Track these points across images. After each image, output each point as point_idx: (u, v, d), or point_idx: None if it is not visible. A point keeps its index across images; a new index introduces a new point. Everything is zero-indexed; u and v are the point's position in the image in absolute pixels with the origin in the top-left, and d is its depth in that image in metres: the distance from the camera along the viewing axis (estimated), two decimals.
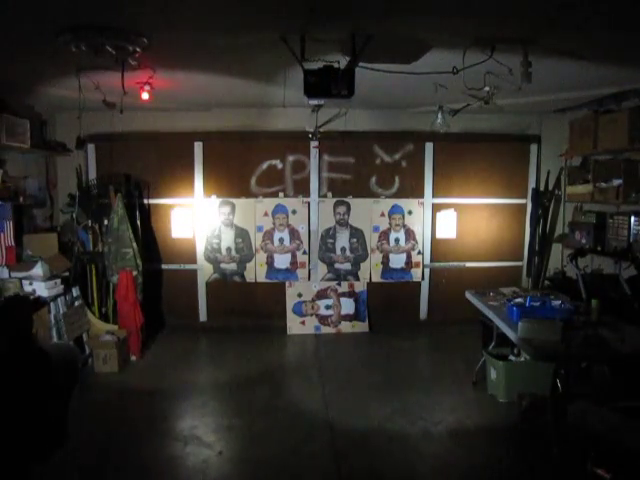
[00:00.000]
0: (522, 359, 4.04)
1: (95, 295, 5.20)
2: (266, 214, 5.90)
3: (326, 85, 2.97)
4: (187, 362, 4.99)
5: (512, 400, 3.90)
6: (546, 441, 3.30)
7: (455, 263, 6.14)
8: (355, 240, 6.01)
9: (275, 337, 5.71)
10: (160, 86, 4.02)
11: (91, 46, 2.85)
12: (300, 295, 5.99)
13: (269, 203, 5.90)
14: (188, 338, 5.67)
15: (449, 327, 5.88)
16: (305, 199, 5.92)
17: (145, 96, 3.97)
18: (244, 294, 6.02)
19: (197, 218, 5.90)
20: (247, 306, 6.01)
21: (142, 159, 5.73)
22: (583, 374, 3.66)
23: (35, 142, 4.73)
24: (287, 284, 5.99)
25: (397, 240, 6.02)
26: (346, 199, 5.96)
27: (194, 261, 5.96)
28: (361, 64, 3.01)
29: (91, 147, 5.71)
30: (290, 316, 5.94)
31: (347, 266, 6.04)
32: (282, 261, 5.96)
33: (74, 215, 5.22)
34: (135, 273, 5.06)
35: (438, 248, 6.11)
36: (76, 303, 4.86)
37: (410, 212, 5.99)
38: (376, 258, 6.03)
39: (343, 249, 6.01)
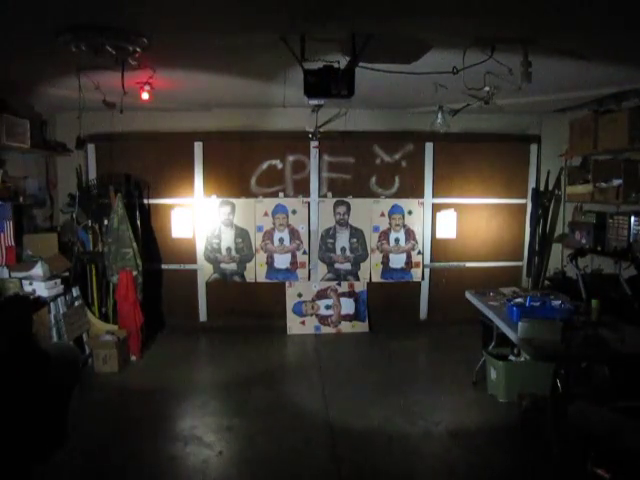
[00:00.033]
0: (522, 359, 4.04)
1: (95, 295, 5.20)
2: (266, 214, 5.90)
3: (326, 85, 2.97)
4: (187, 362, 4.99)
5: (512, 400, 3.90)
6: (546, 441, 3.30)
7: (455, 263, 6.14)
8: (355, 240, 6.01)
9: (275, 337, 5.71)
10: (160, 86, 4.02)
11: (91, 46, 2.84)
12: (300, 295, 5.99)
13: (269, 203, 5.90)
14: (188, 338, 5.67)
15: (449, 327, 5.88)
16: (305, 199, 5.93)
17: (145, 96, 3.97)
18: (244, 294, 6.02)
19: (197, 218, 5.90)
20: (247, 306, 6.01)
21: (142, 159, 5.73)
22: (583, 374, 3.66)
23: (35, 142, 4.73)
24: (287, 284, 5.99)
25: (397, 240, 6.02)
26: (346, 199, 5.96)
27: (194, 261, 5.96)
28: (361, 64, 3.01)
29: (91, 147, 5.71)
30: (290, 316, 5.94)
31: (347, 266, 6.04)
32: (282, 261, 5.96)
33: (74, 215, 5.22)
34: (135, 273, 5.06)
35: (438, 248, 6.11)
36: (76, 303, 4.86)
37: (410, 212, 5.99)
38: (376, 258, 6.03)
39: (343, 249, 6.01)
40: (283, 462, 3.22)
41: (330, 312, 5.97)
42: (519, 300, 3.79)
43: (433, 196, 6.01)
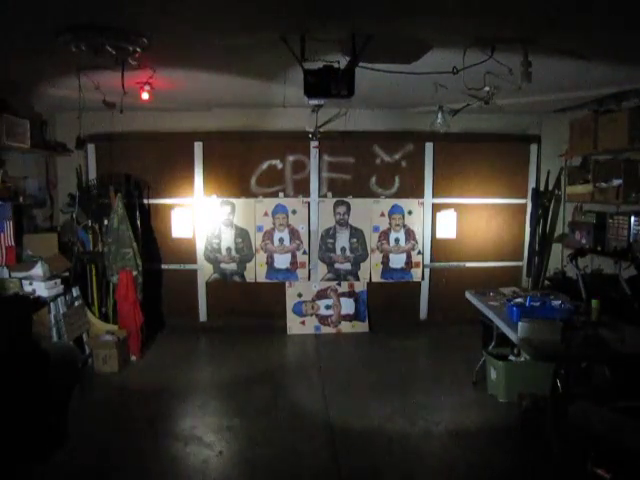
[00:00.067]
0: (522, 359, 4.04)
1: (95, 295, 5.20)
2: (266, 214, 5.90)
3: (326, 85, 2.97)
4: (187, 362, 4.99)
5: (512, 400, 3.90)
6: (546, 441, 3.30)
7: (455, 263, 6.14)
8: (355, 240, 6.01)
9: (275, 337, 5.71)
10: (160, 86, 4.02)
11: (91, 46, 2.85)
12: (300, 295, 5.99)
13: (269, 203, 5.90)
14: (188, 338, 5.67)
15: (449, 327, 5.88)
16: (305, 199, 5.92)
17: (145, 96, 3.97)
18: (244, 294, 6.02)
19: (197, 218, 5.90)
20: (247, 306, 6.01)
21: (142, 159, 5.73)
22: (583, 374, 3.66)
23: (35, 142, 4.73)
24: (287, 284, 5.99)
25: (397, 240, 6.02)
26: (346, 199, 5.96)
27: (194, 261, 5.96)
28: (361, 64, 3.01)
29: (91, 147, 5.71)
30: (290, 316, 5.94)
31: (347, 266, 6.04)
32: (282, 261, 5.96)
33: (74, 215, 5.22)
34: (135, 273, 5.06)
35: (438, 248, 6.11)
36: (76, 303, 4.86)
37: (410, 212, 5.99)
38: (376, 258, 6.03)
39: (343, 249, 6.01)
40: (283, 462, 3.21)
41: (330, 312, 5.97)
42: (519, 300, 3.79)
43: (433, 196, 6.01)
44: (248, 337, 5.66)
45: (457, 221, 6.06)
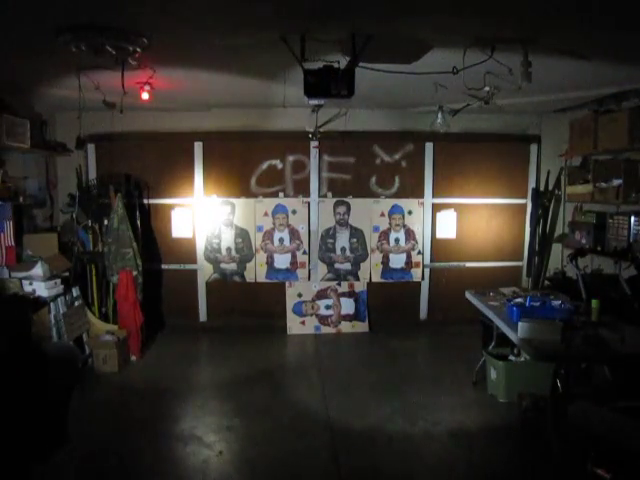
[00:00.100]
0: (522, 359, 4.04)
1: (95, 295, 5.20)
2: (266, 214, 5.90)
3: (326, 85, 2.97)
4: (187, 362, 4.99)
5: (512, 400, 3.90)
6: (546, 441, 3.30)
7: (455, 263, 6.14)
8: (355, 240, 6.01)
9: (275, 337, 5.71)
10: (160, 86, 4.02)
11: (91, 46, 2.85)
12: (300, 295, 5.99)
13: (269, 203, 5.90)
14: (188, 338, 5.67)
15: (449, 327, 5.88)
16: (305, 199, 5.92)
17: (145, 96, 3.97)
18: (244, 294, 6.02)
19: (197, 218, 5.90)
20: (247, 306, 6.01)
21: (142, 159, 5.73)
22: (583, 374, 3.66)
23: (35, 142, 4.73)
24: (287, 284, 5.99)
25: (397, 240, 6.02)
26: (346, 199, 5.96)
27: (194, 261, 5.96)
28: (361, 64, 3.01)
29: (91, 147, 5.71)
30: (290, 316, 5.94)
31: (347, 266, 6.04)
32: (282, 261, 5.96)
33: (74, 215, 5.22)
34: (135, 273, 5.06)
35: (438, 248, 6.11)
36: (76, 303, 4.86)
37: (410, 212, 5.99)
38: (376, 258, 6.03)
39: (343, 249, 6.01)
40: (283, 462, 3.21)
41: (330, 312, 5.97)
42: (519, 300, 3.78)
43: (433, 196, 6.01)
44: (248, 337, 5.66)
45: (457, 221, 6.06)
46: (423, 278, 6.10)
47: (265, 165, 5.90)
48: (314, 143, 5.74)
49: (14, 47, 3.15)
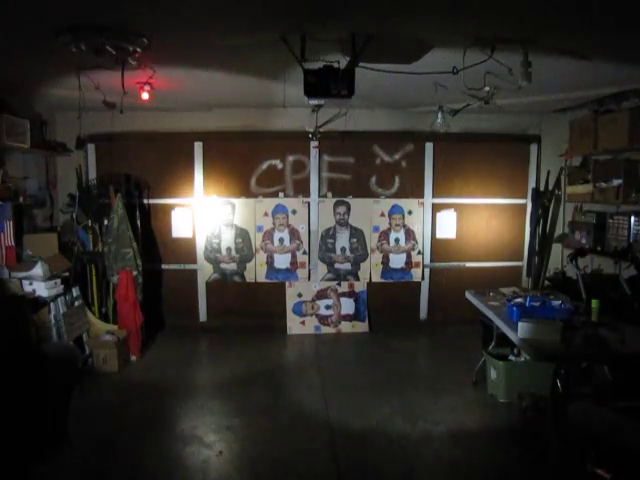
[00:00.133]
0: (522, 359, 4.04)
1: (95, 295, 5.20)
2: (266, 214, 5.90)
3: (326, 85, 2.97)
4: (187, 362, 4.99)
5: (512, 400, 3.90)
6: (546, 441, 3.30)
7: (455, 263, 6.14)
8: (355, 240, 6.01)
9: (275, 337, 5.71)
10: (160, 86, 4.02)
11: (91, 46, 2.85)
12: (300, 295, 5.99)
13: (269, 203, 5.90)
14: (188, 338, 5.67)
15: (449, 327, 5.88)
16: (305, 199, 5.92)
17: (145, 96, 3.97)
18: (244, 294, 6.02)
19: (197, 218, 5.90)
20: (247, 306, 6.01)
21: (142, 159, 5.73)
22: (583, 374, 3.66)
23: (35, 142, 4.73)
24: (287, 284, 5.99)
25: (397, 240, 6.02)
26: (346, 199, 5.96)
27: (194, 261, 5.96)
28: (361, 64, 3.01)
29: (91, 147, 5.72)
30: (290, 316, 5.94)
31: (347, 266, 6.04)
32: (282, 261, 5.96)
33: (74, 215, 5.22)
34: (135, 273, 5.06)
35: (438, 248, 6.11)
36: (76, 303, 4.86)
37: (410, 212, 5.99)
38: (376, 258, 6.03)
39: (343, 249, 6.01)
40: (283, 462, 3.21)
41: (330, 312, 5.97)
42: (519, 300, 3.78)
43: (433, 196, 6.01)
44: (248, 337, 5.66)
45: (457, 221, 6.06)
46: (423, 278, 6.10)
47: (265, 165, 5.90)
48: (314, 143, 5.74)
49: (14, 47, 3.15)
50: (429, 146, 5.93)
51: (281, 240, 5.94)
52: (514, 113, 5.72)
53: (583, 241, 5.07)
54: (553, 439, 3.21)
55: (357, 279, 6.04)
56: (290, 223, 5.92)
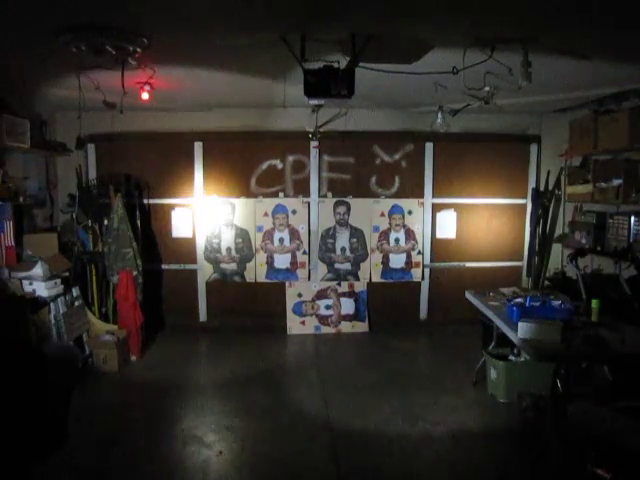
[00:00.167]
0: (522, 359, 4.04)
1: (95, 295, 5.20)
2: (266, 214, 5.90)
3: (326, 85, 2.98)
4: (187, 362, 4.99)
5: (512, 400, 3.90)
6: (546, 441, 3.30)
7: (455, 263, 6.14)
8: (355, 240, 6.01)
9: (275, 337, 5.71)
10: (160, 86, 4.02)
11: (91, 46, 2.85)
12: (300, 295, 5.99)
13: (269, 203, 5.90)
14: (188, 338, 5.67)
15: (449, 327, 5.88)
16: (305, 199, 5.93)
17: (145, 96, 3.97)
18: (244, 294, 6.02)
19: (197, 218, 5.91)
20: (247, 306, 6.01)
21: (142, 159, 5.73)
22: (583, 374, 3.66)
23: (35, 142, 4.73)
24: (287, 284, 5.99)
25: (397, 240, 6.02)
26: (346, 199, 5.96)
27: (194, 261, 5.96)
28: (361, 64, 3.01)
29: (91, 147, 5.72)
30: (290, 316, 5.94)
31: (347, 266, 6.04)
32: (282, 261, 5.96)
33: (74, 215, 5.22)
34: (135, 273, 5.06)
35: (438, 248, 6.11)
36: (76, 303, 4.85)
37: (410, 212, 5.99)
38: (376, 258, 6.03)
39: (343, 249, 6.01)
40: (283, 462, 3.21)
41: (330, 312, 5.97)
42: (519, 300, 3.78)
43: (433, 196, 6.01)
44: (248, 337, 5.66)
45: (457, 221, 6.06)
46: (423, 278, 6.10)
47: (265, 165, 5.90)
48: (314, 143, 5.75)
49: (14, 47, 3.15)
50: (429, 146, 5.93)
51: (281, 240, 5.94)
52: (514, 113, 5.73)
53: (583, 241, 5.07)
54: (553, 439, 3.21)
55: (357, 279, 6.04)
56: (290, 223, 5.92)
